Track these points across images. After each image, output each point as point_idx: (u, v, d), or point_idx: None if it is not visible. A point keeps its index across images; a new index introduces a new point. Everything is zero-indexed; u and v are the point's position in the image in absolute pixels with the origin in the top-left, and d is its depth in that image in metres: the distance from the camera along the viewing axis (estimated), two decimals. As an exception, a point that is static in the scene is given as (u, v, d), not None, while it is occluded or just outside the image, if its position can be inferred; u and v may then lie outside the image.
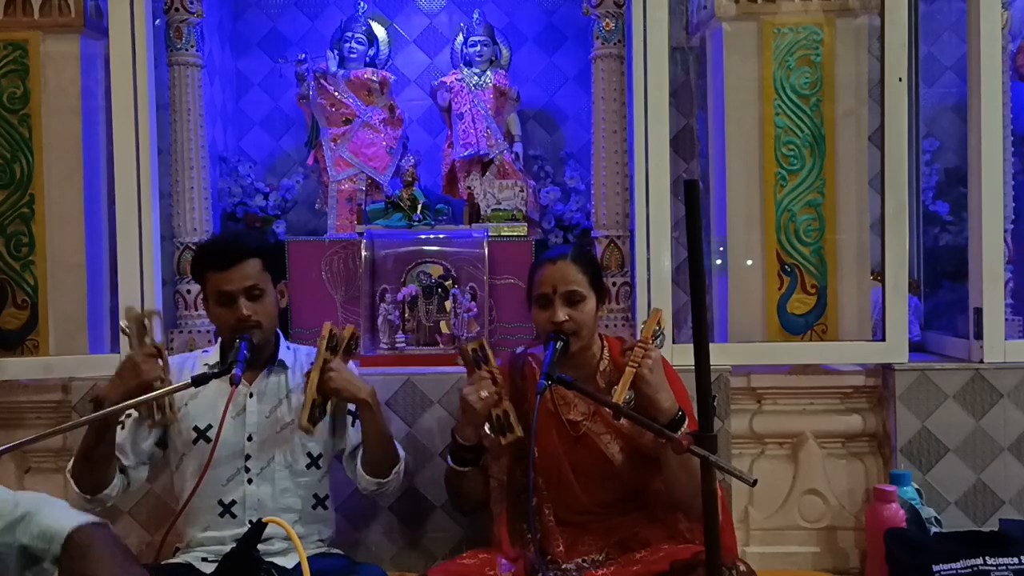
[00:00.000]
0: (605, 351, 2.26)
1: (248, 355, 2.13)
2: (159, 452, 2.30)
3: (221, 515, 2.22)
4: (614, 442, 2.19)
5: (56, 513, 1.51)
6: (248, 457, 2.23)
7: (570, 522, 2.21)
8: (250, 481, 2.23)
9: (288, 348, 2.35)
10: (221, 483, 2.22)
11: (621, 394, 1.99)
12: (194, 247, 2.93)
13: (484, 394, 2.11)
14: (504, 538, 2.19)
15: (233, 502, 2.22)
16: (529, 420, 2.09)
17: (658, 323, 2.11)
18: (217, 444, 2.12)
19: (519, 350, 2.35)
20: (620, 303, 2.89)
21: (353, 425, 2.31)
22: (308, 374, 2.20)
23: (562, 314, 2.12)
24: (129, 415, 2.22)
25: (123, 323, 2.16)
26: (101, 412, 1.97)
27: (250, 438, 2.24)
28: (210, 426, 2.21)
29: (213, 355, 2.31)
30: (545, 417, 2.19)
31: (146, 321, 2.16)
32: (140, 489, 2.52)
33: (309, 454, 2.27)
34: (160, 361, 2.11)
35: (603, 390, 2.20)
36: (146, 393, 2.06)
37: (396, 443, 2.33)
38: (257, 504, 2.21)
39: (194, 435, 2.23)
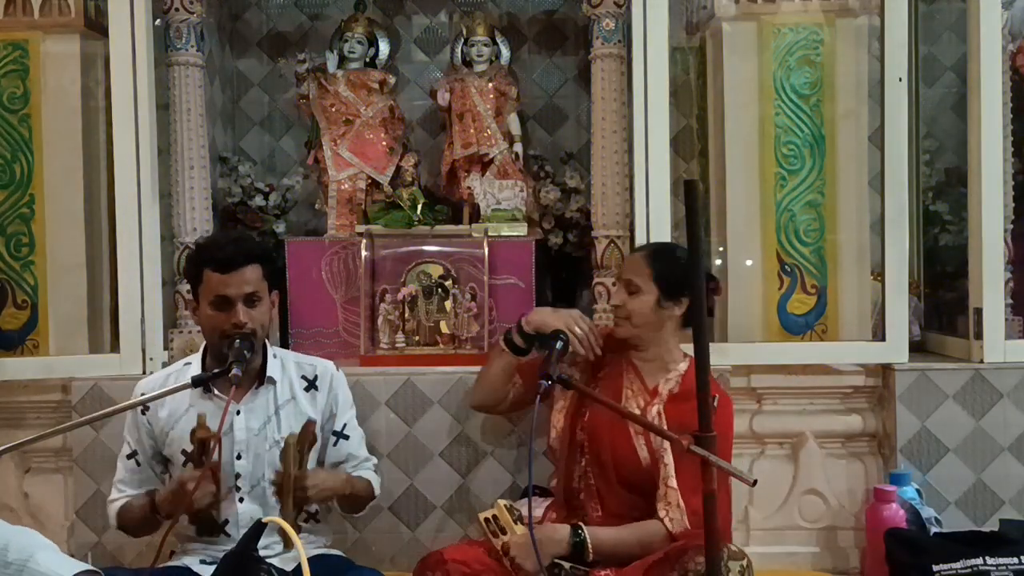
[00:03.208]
0: (683, 366, 2.27)
1: (249, 355, 2.12)
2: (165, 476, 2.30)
3: (215, 534, 2.21)
4: (644, 447, 2.21)
5: (50, 561, 1.44)
6: (238, 475, 2.21)
7: (606, 493, 2.25)
8: (241, 500, 2.21)
9: (275, 358, 2.29)
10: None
11: None
12: (194, 246, 2.92)
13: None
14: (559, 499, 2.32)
15: (226, 521, 2.21)
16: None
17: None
18: (211, 459, 2.09)
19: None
20: (620, 303, 2.89)
21: (335, 445, 2.33)
22: (277, 488, 2.14)
23: (617, 298, 2.29)
24: (136, 452, 2.26)
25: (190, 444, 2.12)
26: (87, 418, 1.99)
27: (239, 456, 2.21)
28: (218, 486, 2.16)
29: (195, 367, 2.25)
30: (618, 386, 2.29)
31: (210, 445, 2.09)
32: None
33: None
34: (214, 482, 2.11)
35: (659, 400, 2.24)
36: (195, 510, 2.08)
37: (372, 474, 2.38)
38: (250, 522, 2.15)
39: (182, 458, 2.20)
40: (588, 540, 2.12)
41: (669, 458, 2.15)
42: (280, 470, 2.14)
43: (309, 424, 2.19)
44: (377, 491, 2.39)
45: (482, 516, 2.22)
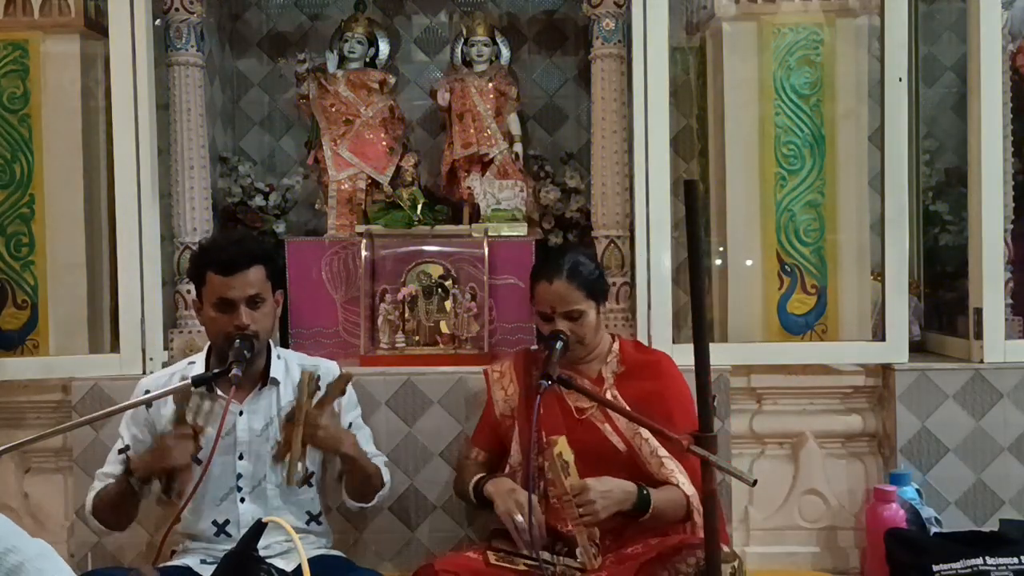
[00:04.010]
0: (615, 347, 2.37)
1: (249, 355, 2.12)
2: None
3: (216, 535, 2.21)
4: (614, 434, 2.26)
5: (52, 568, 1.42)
6: (240, 476, 2.21)
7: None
8: (243, 500, 2.21)
9: (279, 359, 2.29)
10: (215, 503, 2.20)
11: (589, 555, 2.07)
12: (195, 247, 2.92)
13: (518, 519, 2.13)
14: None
15: (227, 521, 2.21)
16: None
17: None
18: (211, 462, 2.09)
19: (533, 348, 2.53)
20: (620, 303, 2.89)
21: None
22: (287, 426, 2.11)
23: (563, 329, 2.25)
24: (128, 447, 2.23)
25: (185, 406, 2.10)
26: (85, 419, 2.01)
27: (241, 457, 2.21)
28: (200, 447, 2.15)
29: (199, 366, 2.25)
30: (552, 402, 2.28)
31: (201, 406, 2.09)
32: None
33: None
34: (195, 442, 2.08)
35: (607, 385, 2.30)
36: (173, 474, 2.06)
37: (382, 465, 2.35)
38: (251, 523, 2.16)
39: None
40: (652, 497, 2.13)
41: (646, 432, 2.20)
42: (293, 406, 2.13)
43: (345, 376, 2.20)
44: (387, 479, 2.35)
45: (556, 451, 2.09)
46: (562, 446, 2.10)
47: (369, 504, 2.35)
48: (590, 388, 2.26)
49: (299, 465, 2.15)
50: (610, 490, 2.09)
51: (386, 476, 2.36)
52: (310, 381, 2.15)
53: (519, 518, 2.12)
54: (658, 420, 1.95)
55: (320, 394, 2.16)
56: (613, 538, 2.19)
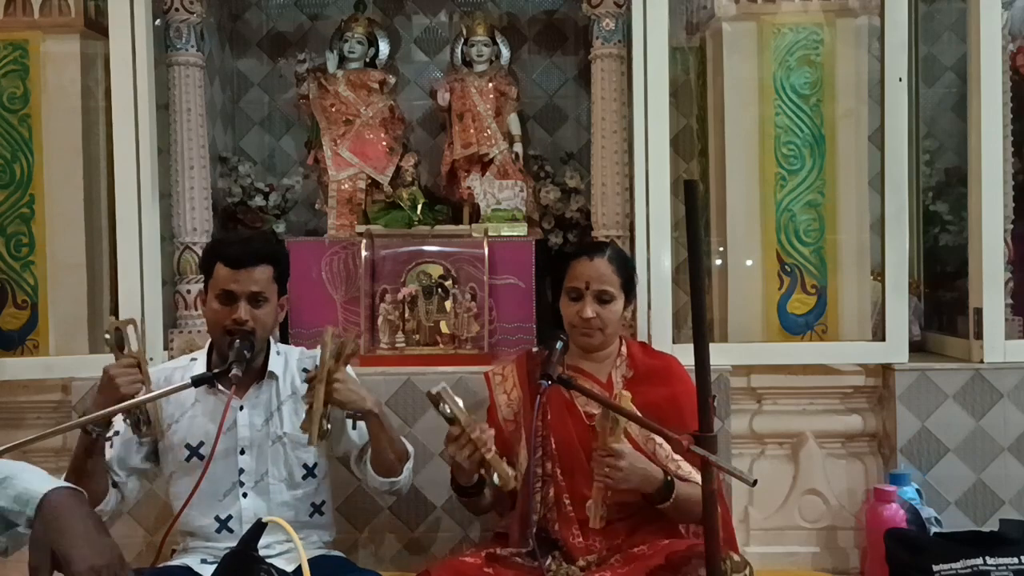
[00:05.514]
0: (623, 350, 2.34)
1: (249, 355, 2.12)
2: (152, 467, 2.26)
3: (218, 531, 2.20)
4: (625, 440, 2.21)
5: (33, 478, 1.53)
6: (242, 471, 2.20)
7: (584, 517, 2.20)
8: (245, 495, 2.21)
9: (278, 355, 2.29)
10: (217, 499, 2.19)
11: (596, 515, 2.03)
12: (194, 247, 2.93)
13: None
14: (514, 530, 2.19)
15: (229, 517, 2.20)
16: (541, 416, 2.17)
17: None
18: (212, 460, 2.09)
19: (534, 349, 2.48)
20: (620, 303, 2.89)
21: (354, 428, 2.24)
22: (310, 384, 2.06)
23: (590, 311, 2.22)
24: (117, 433, 2.18)
25: (105, 335, 2.06)
26: (86, 418, 1.95)
27: (243, 451, 2.21)
28: (202, 443, 2.17)
29: (201, 363, 2.24)
30: (561, 407, 2.25)
31: (125, 330, 2.04)
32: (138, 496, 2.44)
33: (304, 464, 2.24)
34: (140, 370, 2.02)
35: (617, 390, 2.26)
36: (121, 398, 2.00)
37: (402, 438, 2.30)
38: (253, 518, 2.13)
39: (187, 452, 2.19)
40: (676, 486, 2.09)
41: (659, 439, 2.16)
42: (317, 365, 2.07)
43: (354, 337, 2.13)
44: (411, 450, 2.30)
45: (621, 403, 1.98)
46: (627, 403, 2.02)
47: (399, 478, 2.25)
48: (597, 391, 2.23)
49: (322, 421, 2.07)
50: (643, 468, 2.05)
51: (408, 445, 2.30)
52: (335, 342, 2.07)
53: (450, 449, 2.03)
54: (671, 425, 1.91)
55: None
56: (626, 535, 2.17)
